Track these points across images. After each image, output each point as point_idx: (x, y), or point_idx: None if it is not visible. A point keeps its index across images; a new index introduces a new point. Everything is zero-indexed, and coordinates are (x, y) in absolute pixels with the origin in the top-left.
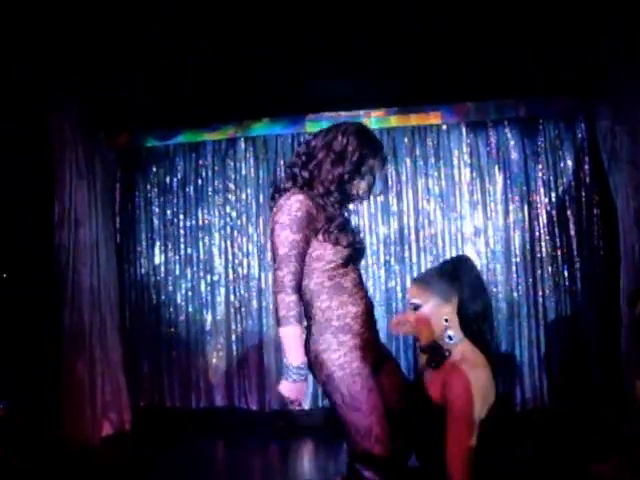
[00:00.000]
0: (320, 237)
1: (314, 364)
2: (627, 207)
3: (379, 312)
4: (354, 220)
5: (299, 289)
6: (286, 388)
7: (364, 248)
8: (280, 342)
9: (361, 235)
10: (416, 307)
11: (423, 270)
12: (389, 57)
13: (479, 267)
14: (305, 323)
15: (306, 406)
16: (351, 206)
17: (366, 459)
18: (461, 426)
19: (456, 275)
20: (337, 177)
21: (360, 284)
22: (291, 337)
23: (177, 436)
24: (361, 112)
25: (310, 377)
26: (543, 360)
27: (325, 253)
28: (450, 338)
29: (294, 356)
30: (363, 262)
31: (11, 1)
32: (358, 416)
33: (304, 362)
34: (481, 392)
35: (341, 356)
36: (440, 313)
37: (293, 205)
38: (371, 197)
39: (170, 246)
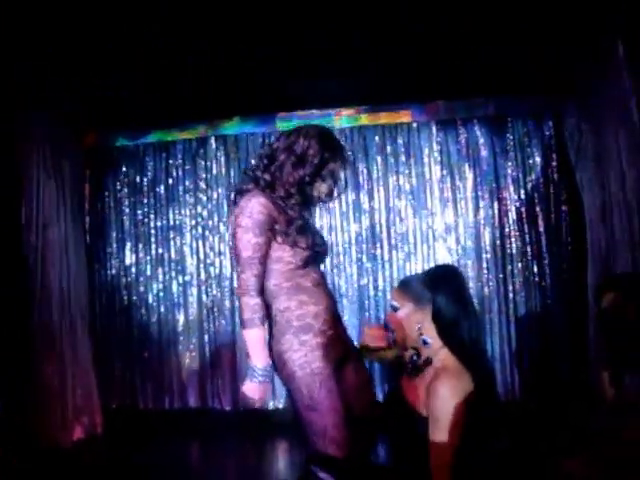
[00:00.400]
0: (279, 239)
1: (277, 363)
2: (593, 203)
3: (351, 309)
4: (326, 218)
5: (262, 291)
6: (250, 389)
7: (326, 250)
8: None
9: (324, 237)
10: (394, 309)
11: (394, 267)
12: (360, 56)
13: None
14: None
15: (280, 405)
16: (318, 207)
17: (321, 460)
18: (441, 433)
19: (435, 283)
20: (298, 180)
21: (321, 284)
22: (255, 339)
23: (150, 438)
24: (332, 111)
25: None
26: (514, 355)
27: (284, 255)
28: (425, 342)
29: (259, 358)
30: (335, 260)
31: None
32: (315, 416)
33: (269, 364)
34: (465, 400)
35: (302, 356)
36: (414, 319)
37: (255, 207)
38: (332, 200)
39: (141, 246)
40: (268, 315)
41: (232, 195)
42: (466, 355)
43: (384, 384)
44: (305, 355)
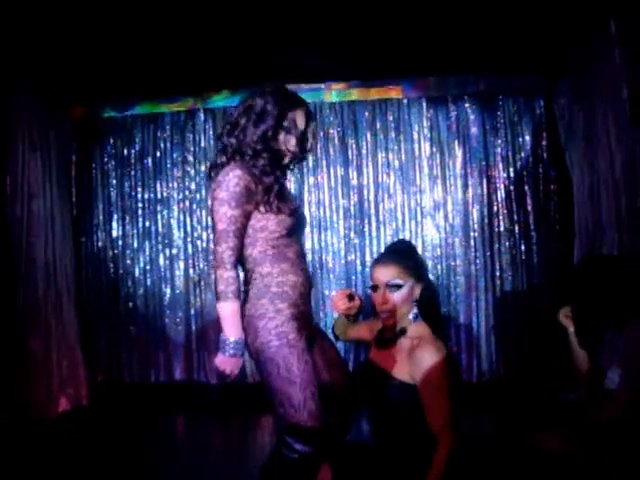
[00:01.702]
0: (262, 209)
1: (248, 330)
2: (582, 182)
3: (338, 285)
4: (314, 193)
5: (237, 264)
6: (222, 362)
7: (304, 216)
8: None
9: (299, 203)
10: (398, 287)
11: (381, 244)
12: (351, 30)
13: (438, 242)
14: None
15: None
16: (293, 166)
17: (298, 432)
18: (442, 393)
19: (417, 256)
20: (261, 135)
21: (302, 256)
22: (229, 312)
23: (136, 411)
24: (322, 85)
25: None
26: (499, 332)
27: (268, 224)
28: (416, 317)
29: (231, 330)
30: (322, 235)
31: None
32: (293, 389)
33: (241, 337)
34: (446, 361)
35: (278, 325)
36: (414, 293)
37: (231, 180)
38: (304, 154)
39: (128, 219)
40: (247, 281)
41: (207, 171)
42: (438, 324)
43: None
44: (281, 324)
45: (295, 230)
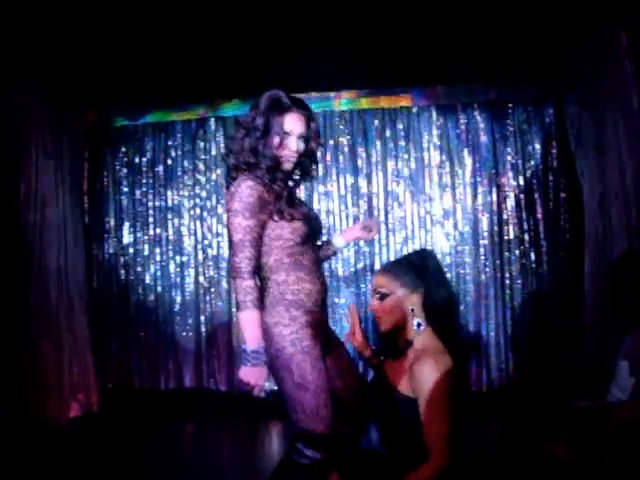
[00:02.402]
0: (275, 217)
1: (264, 338)
2: (592, 191)
3: (348, 293)
4: (324, 202)
5: (255, 273)
6: (245, 373)
7: (320, 223)
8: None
9: (315, 212)
10: (383, 296)
11: (391, 252)
12: (360, 39)
13: (447, 250)
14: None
15: (275, 386)
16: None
17: (309, 438)
18: (437, 409)
19: (424, 266)
20: (253, 147)
21: (318, 263)
22: (249, 321)
23: (146, 417)
24: (332, 93)
25: None
26: (509, 341)
27: (283, 232)
28: (419, 325)
29: (251, 339)
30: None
31: None
32: (306, 396)
33: (261, 346)
34: (448, 375)
35: (293, 332)
36: (407, 303)
37: (244, 192)
38: (304, 158)
39: (139, 226)
40: (263, 289)
41: (225, 183)
42: (447, 336)
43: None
44: (296, 332)
45: (310, 237)
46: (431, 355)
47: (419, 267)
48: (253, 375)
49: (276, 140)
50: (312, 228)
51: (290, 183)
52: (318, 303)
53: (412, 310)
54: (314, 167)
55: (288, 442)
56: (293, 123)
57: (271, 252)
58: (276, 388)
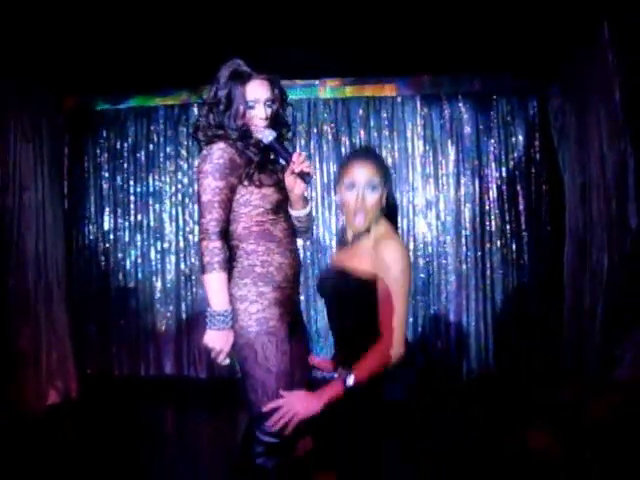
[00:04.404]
0: (245, 182)
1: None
2: (573, 184)
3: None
4: (308, 189)
5: (224, 236)
6: (210, 337)
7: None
8: None
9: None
10: (376, 188)
11: None
12: (346, 27)
13: (429, 240)
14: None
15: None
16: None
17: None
18: (402, 290)
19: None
20: (218, 119)
21: (291, 236)
22: (215, 283)
23: (125, 404)
24: (316, 81)
25: None
26: (490, 331)
27: (251, 198)
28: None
29: (217, 302)
30: (314, 231)
31: None
32: (269, 378)
33: (228, 309)
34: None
35: (259, 310)
36: (384, 194)
37: (215, 153)
38: (281, 122)
39: (120, 212)
40: (232, 259)
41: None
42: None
43: None
44: (263, 310)
45: (282, 207)
46: (394, 237)
47: (383, 161)
48: (219, 340)
49: (240, 110)
50: (286, 197)
51: (261, 150)
52: (289, 279)
53: (385, 201)
54: (286, 129)
55: (246, 426)
56: (256, 91)
57: (240, 219)
58: None
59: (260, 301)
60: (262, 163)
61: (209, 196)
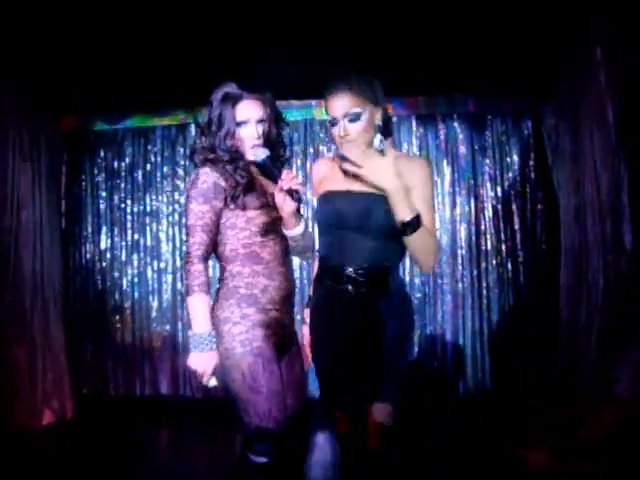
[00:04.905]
0: (231, 205)
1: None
2: (568, 203)
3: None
4: (303, 209)
5: (206, 259)
6: (192, 360)
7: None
8: None
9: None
10: (357, 116)
11: None
12: (341, 47)
13: None
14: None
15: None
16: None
17: (260, 440)
18: (430, 203)
19: (371, 78)
20: (210, 142)
21: (280, 258)
22: (196, 305)
23: (121, 424)
24: (312, 102)
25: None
26: (486, 350)
27: (237, 221)
28: (381, 142)
29: (199, 324)
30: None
31: None
32: (259, 398)
33: (209, 331)
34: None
35: (243, 332)
36: (374, 119)
37: (200, 178)
38: (272, 142)
39: (117, 231)
40: (220, 280)
41: None
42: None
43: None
44: (246, 331)
45: (271, 230)
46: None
47: (369, 80)
48: (201, 362)
49: (231, 131)
50: (276, 219)
51: (247, 173)
52: (276, 301)
53: (379, 126)
54: (282, 149)
55: (240, 446)
56: (247, 110)
57: (227, 241)
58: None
59: (243, 322)
60: (249, 186)
61: (192, 220)
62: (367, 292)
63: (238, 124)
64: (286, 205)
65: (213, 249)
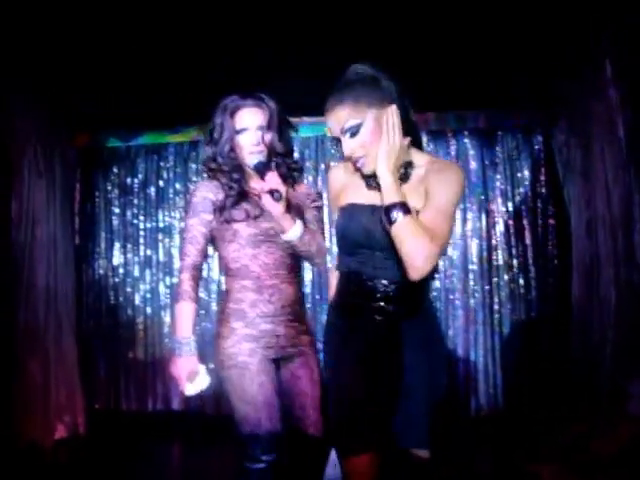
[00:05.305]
0: (220, 218)
1: (214, 347)
2: (580, 218)
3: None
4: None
5: (192, 269)
6: (174, 365)
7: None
8: None
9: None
10: (356, 129)
11: None
12: (351, 64)
13: (437, 275)
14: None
15: None
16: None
17: (254, 449)
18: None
19: (374, 77)
20: (212, 152)
21: (277, 269)
22: (178, 312)
23: (133, 439)
24: (323, 118)
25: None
26: (498, 366)
27: (225, 234)
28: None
29: (179, 328)
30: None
31: None
32: (248, 409)
33: (187, 337)
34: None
35: (229, 346)
36: (391, 120)
37: (193, 192)
38: (263, 150)
39: (130, 247)
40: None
41: None
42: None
43: None
44: (232, 346)
45: (263, 241)
46: (448, 162)
47: (371, 78)
48: (179, 366)
49: (230, 139)
50: (268, 230)
51: (244, 183)
52: (267, 313)
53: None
54: (292, 159)
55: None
56: (246, 118)
57: (222, 255)
58: None
59: (231, 337)
60: (238, 198)
61: (184, 233)
62: (396, 311)
63: (237, 132)
64: (269, 206)
65: (219, 264)
